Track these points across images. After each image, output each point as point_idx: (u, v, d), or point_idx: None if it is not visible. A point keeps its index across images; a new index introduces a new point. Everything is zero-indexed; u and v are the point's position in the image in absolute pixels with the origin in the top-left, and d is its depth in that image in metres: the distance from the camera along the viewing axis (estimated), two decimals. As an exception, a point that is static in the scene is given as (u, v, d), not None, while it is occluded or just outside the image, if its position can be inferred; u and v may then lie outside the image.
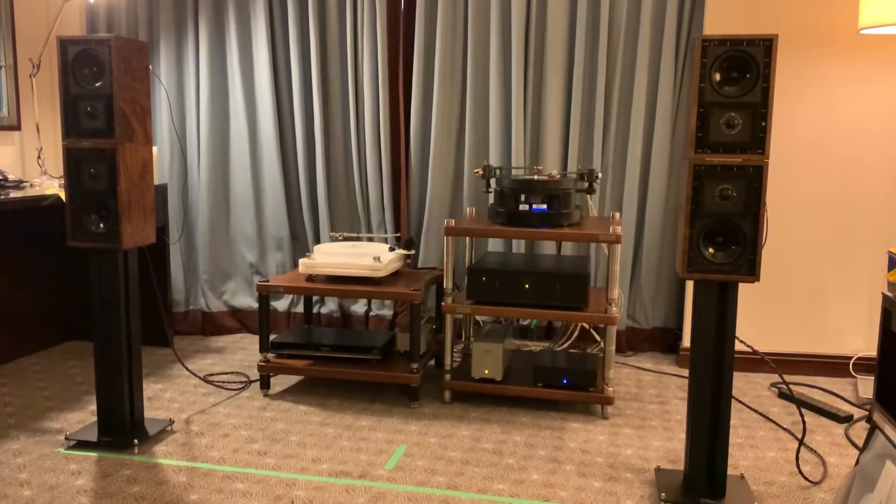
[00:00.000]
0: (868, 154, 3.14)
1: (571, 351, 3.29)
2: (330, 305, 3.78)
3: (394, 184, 3.65)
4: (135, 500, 2.11)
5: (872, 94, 3.10)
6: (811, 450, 2.51)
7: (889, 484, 1.64)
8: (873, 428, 1.82)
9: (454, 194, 3.62)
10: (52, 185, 3.21)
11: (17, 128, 3.51)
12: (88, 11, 3.75)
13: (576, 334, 3.55)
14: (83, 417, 2.72)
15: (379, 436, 2.57)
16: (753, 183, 1.94)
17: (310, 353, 2.99)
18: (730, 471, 2.34)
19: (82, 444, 2.46)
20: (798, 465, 2.34)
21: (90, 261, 2.40)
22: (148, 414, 2.76)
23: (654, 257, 3.47)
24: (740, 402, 2.94)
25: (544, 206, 2.77)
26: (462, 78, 3.52)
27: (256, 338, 3.78)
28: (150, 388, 3.03)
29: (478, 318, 3.62)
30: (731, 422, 2.74)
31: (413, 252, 3.17)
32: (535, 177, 2.88)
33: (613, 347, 2.73)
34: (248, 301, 3.82)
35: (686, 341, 3.37)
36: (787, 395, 2.98)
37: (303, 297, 3.57)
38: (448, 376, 2.86)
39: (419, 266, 3.61)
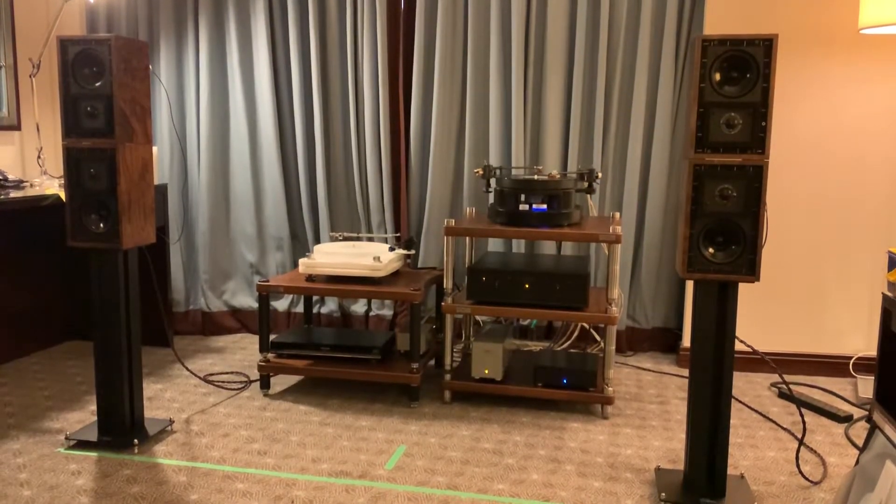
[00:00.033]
0: (868, 154, 3.14)
1: (571, 351, 3.29)
2: (330, 305, 3.78)
3: (394, 184, 3.65)
4: (135, 500, 2.11)
5: (872, 93, 3.10)
6: (811, 450, 2.51)
7: (889, 484, 1.64)
8: (873, 428, 1.82)
9: (454, 194, 3.62)
10: (52, 185, 3.21)
11: (17, 128, 3.51)
12: (88, 11, 3.75)
13: (576, 334, 3.55)
14: (83, 417, 2.72)
15: (379, 436, 2.57)
16: (753, 183, 1.94)
17: (310, 353, 2.99)
18: (730, 471, 2.34)
19: (82, 444, 2.46)
20: (798, 465, 2.34)
21: (90, 261, 2.40)
22: (148, 414, 2.76)
23: (654, 257, 3.47)
24: (740, 401, 2.94)
25: (544, 206, 2.77)
26: (462, 78, 3.52)
27: (256, 338, 3.78)
28: (150, 388, 3.03)
29: (478, 317, 3.62)
30: (731, 421, 2.74)
31: (413, 252, 3.17)
32: (535, 177, 2.88)
33: (613, 347, 2.73)
34: (248, 301, 3.82)
35: (686, 341, 3.37)
36: (787, 395, 2.99)
37: (303, 296, 3.57)
38: (448, 376, 2.86)
39: (419, 266, 3.61)
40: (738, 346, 3.20)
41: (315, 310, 3.78)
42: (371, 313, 3.73)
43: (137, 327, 2.49)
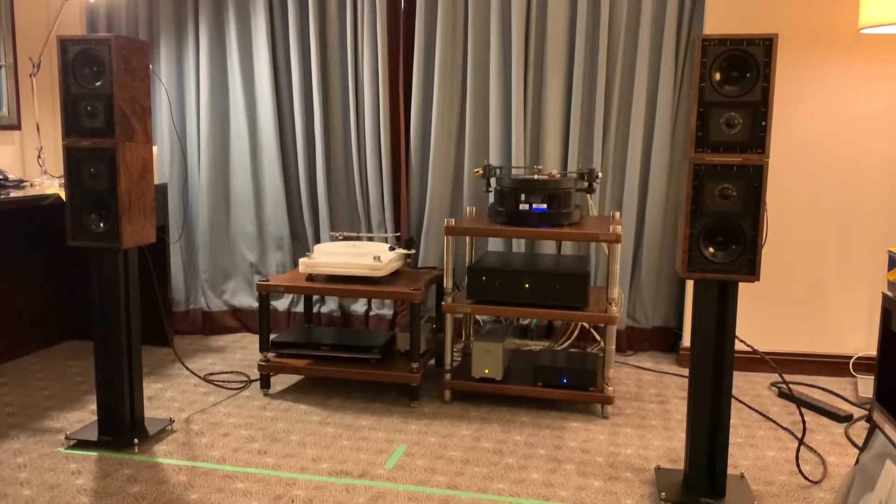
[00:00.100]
0: (868, 154, 3.15)
1: (571, 350, 3.29)
2: (330, 305, 3.78)
3: (394, 183, 3.65)
4: (135, 500, 2.11)
5: (872, 93, 3.10)
6: (811, 449, 2.51)
7: (889, 483, 1.64)
8: (873, 427, 1.82)
9: (454, 194, 3.62)
10: (52, 185, 3.21)
11: (18, 127, 3.51)
12: (88, 11, 3.75)
13: (576, 334, 3.55)
14: (83, 417, 2.72)
15: (379, 435, 2.57)
16: (753, 182, 1.94)
17: (310, 352, 2.99)
18: (730, 470, 2.34)
19: (82, 444, 2.46)
20: (798, 465, 2.34)
21: (90, 260, 2.40)
22: (148, 413, 2.76)
23: (654, 257, 3.47)
24: (740, 401, 2.94)
25: (544, 206, 2.77)
26: (462, 78, 3.52)
27: (256, 337, 3.78)
28: (150, 388, 3.03)
29: (478, 317, 3.62)
30: (731, 421, 2.74)
31: (413, 251, 3.17)
32: (536, 176, 2.88)
33: (613, 347, 2.73)
34: (248, 300, 3.82)
35: (686, 341, 3.37)
36: (787, 395, 2.99)
37: (303, 296, 3.57)
38: (448, 376, 2.86)
39: (419, 265, 3.61)
40: (738, 346, 3.20)
41: (315, 309, 3.78)
42: (371, 313, 3.73)
43: (137, 327, 2.49)
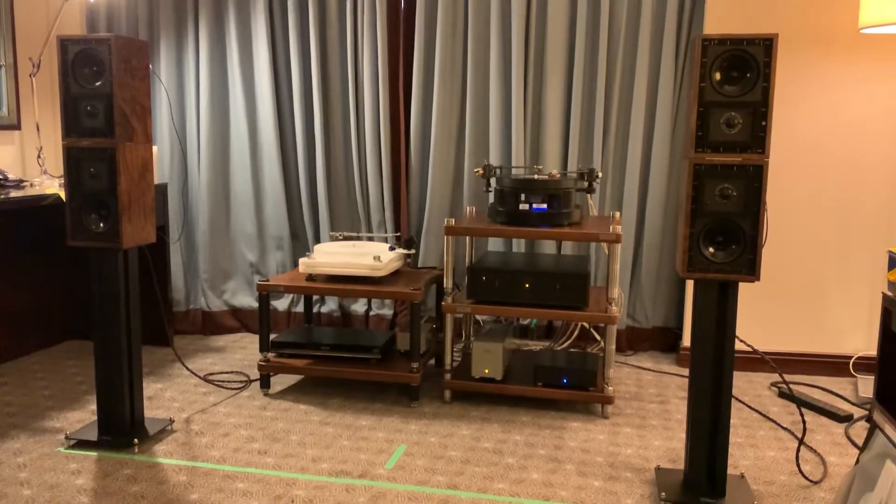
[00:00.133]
0: (868, 154, 3.15)
1: (571, 350, 3.29)
2: (330, 305, 3.78)
3: (394, 183, 3.65)
4: (135, 500, 2.11)
5: (872, 93, 3.10)
6: (811, 449, 2.51)
7: (889, 483, 1.64)
8: (873, 427, 1.82)
9: (454, 194, 3.62)
10: (52, 185, 3.21)
11: (17, 127, 3.51)
12: (88, 11, 3.75)
13: (576, 334, 3.55)
14: (83, 417, 2.72)
15: (379, 435, 2.57)
16: (753, 182, 1.94)
17: (310, 352, 2.99)
18: (730, 470, 2.34)
19: (82, 444, 2.46)
20: (798, 465, 2.34)
21: (90, 260, 2.40)
22: (148, 413, 2.76)
23: (654, 257, 3.47)
24: (740, 401, 2.94)
25: (544, 206, 2.77)
26: (462, 78, 3.52)
27: (256, 337, 3.78)
28: (150, 388, 3.03)
29: (478, 317, 3.62)
30: (731, 421, 2.74)
31: (413, 251, 3.17)
32: (536, 176, 2.88)
33: (613, 347, 2.73)
34: (248, 300, 3.82)
35: (686, 341, 3.37)
36: (787, 395, 2.99)
37: (303, 296, 3.57)
38: (448, 376, 2.86)
39: (419, 265, 3.61)
40: (738, 346, 3.20)
41: (315, 309, 3.78)
42: (371, 313, 3.73)
43: (137, 327, 2.49)
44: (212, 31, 3.64)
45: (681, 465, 2.35)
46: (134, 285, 2.45)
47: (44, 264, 3.55)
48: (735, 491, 2.14)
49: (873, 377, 1.94)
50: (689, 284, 3.31)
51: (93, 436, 2.46)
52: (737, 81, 1.93)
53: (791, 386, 3.06)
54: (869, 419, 1.85)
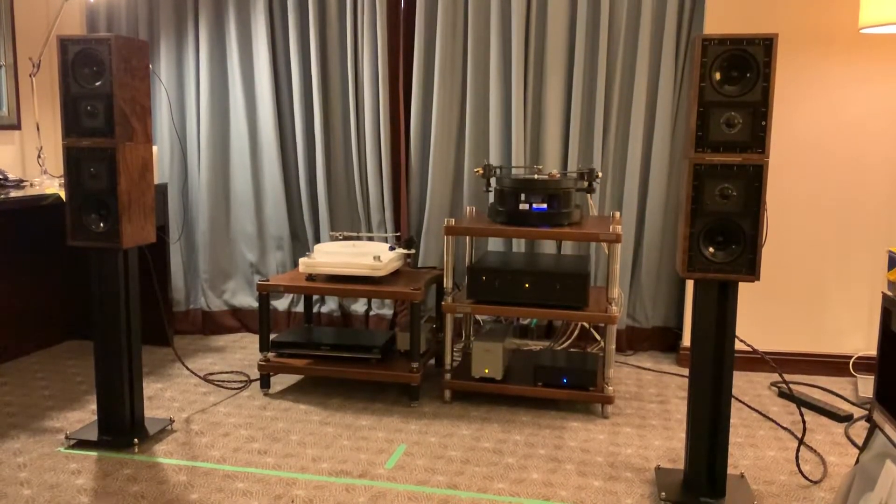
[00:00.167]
0: (868, 154, 3.15)
1: (571, 350, 3.29)
2: (330, 305, 3.78)
3: (394, 183, 3.65)
4: (135, 500, 2.11)
5: (872, 93, 3.10)
6: (811, 449, 2.51)
7: (889, 483, 1.64)
8: (873, 427, 1.82)
9: (454, 193, 3.62)
10: (52, 185, 3.21)
11: (18, 127, 3.51)
12: (88, 11, 3.76)
13: (576, 333, 3.55)
14: (83, 416, 2.72)
15: (379, 435, 2.57)
16: (753, 182, 1.94)
17: (310, 352, 2.99)
18: (730, 470, 2.34)
19: (82, 444, 2.46)
20: (798, 465, 2.34)
21: (90, 260, 2.40)
22: (148, 413, 2.76)
23: (654, 257, 3.47)
24: (740, 401, 2.94)
25: (544, 206, 2.77)
26: (462, 78, 3.52)
27: (256, 337, 3.78)
28: (150, 388, 3.03)
29: (478, 317, 3.62)
30: (731, 421, 2.74)
31: (413, 251, 3.17)
32: (536, 176, 2.88)
33: (613, 347, 2.73)
34: (248, 300, 3.82)
35: (686, 340, 3.37)
36: (787, 395, 2.99)
37: (303, 296, 3.57)
38: (448, 375, 2.86)
39: (419, 265, 3.61)
40: (738, 346, 3.20)
41: (315, 309, 3.78)
42: (371, 313, 3.73)
43: (137, 327, 2.49)
44: (212, 31, 3.64)
45: (681, 465, 2.35)
46: (134, 285, 2.45)
47: (44, 264, 3.55)
48: (735, 491, 2.14)
49: (873, 377, 1.94)
50: (689, 284, 3.31)
51: (93, 436, 2.46)
52: (737, 81, 1.93)
53: (791, 386, 3.06)
54: (869, 419, 1.85)
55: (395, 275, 3.06)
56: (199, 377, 3.11)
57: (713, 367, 2.08)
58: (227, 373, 3.22)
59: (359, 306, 3.76)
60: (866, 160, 3.15)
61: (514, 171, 3.41)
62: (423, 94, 3.52)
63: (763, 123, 1.92)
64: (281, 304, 3.82)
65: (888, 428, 1.73)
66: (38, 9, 3.62)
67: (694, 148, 1.96)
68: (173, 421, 2.66)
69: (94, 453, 2.40)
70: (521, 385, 2.81)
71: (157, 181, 3.50)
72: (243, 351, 3.55)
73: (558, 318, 2.74)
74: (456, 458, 2.40)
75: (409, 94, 3.58)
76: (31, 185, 3.22)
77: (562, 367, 2.78)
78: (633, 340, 3.57)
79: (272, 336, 3.35)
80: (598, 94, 3.36)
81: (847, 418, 2.74)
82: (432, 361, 3.29)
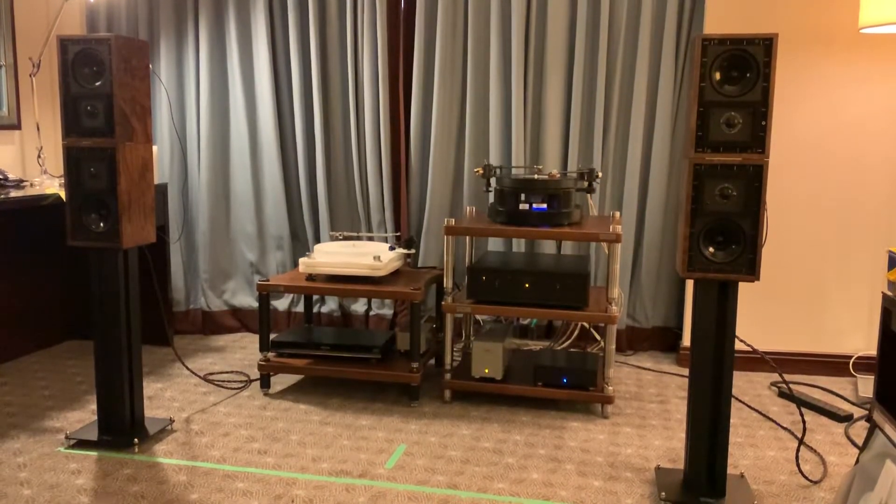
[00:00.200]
0: (868, 154, 3.15)
1: (571, 350, 3.29)
2: (330, 305, 3.78)
3: (394, 183, 3.65)
4: (135, 500, 2.11)
5: (872, 93, 3.10)
6: (811, 449, 2.51)
7: (889, 483, 1.64)
8: (873, 427, 1.82)
9: (454, 193, 3.62)
10: (52, 185, 3.21)
11: (18, 127, 3.51)
12: (88, 11, 3.75)
13: (576, 333, 3.55)
14: (83, 416, 2.72)
15: (379, 435, 2.57)
16: (753, 182, 1.94)
17: (310, 352, 2.99)
18: (730, 470, 2.34)
19: (82, 444, 2.46)
20: (798, 465, 2.34)
21: (90, 260, 2.40)
22: (148, 413, 2.76)
23: (654, 256, 3.47)
24: (740, 401, 2.94)
25: (544, 206, 2.77)
26: (462, 78, 3.52)
27: (256, 337, 3.78)
28: (150, 388, 3.03)
29: (478, 317, 3.62)
30: (731, 421, 2.74)
31: (413, 251, 3.17)
32: (536, 176, 2.88)
33: (613, 346, 2.73)
34: (248, 300, 3.82)
35: (686, 340, 3.37)
36: (787, 395, 2.99)
37: (303, 296, 3.57)
38: (448, 375, 2.86)
39: (419, 265, 3.61)
40: (738, 346, 3.20)
41: (315, 309, 3.79)
42: (371, 313, 3.73)
43: (137, 326, 2.49)
44: (212, 31, 3.64)
45: (681, 465, 2.35)
46: (134, 285, 2.45)
47: (44, 264, 3.55)
48: (735, 491, 2.14)
49: (873, 377, 1.94)
50: (689, 284, 3.31)
51: (93, 435, 2.46)
52: (737, 81, 1.93)
53: (791, 386, 3.06)
54: (869, 419, 1.85)
55: (395, 275, 3.06)
56: (199, 377, 3.11)
57: (713, 367, 2.08)
58: (227, 373, 3.22)
59: (359, 306, 3.76)
60: (866, 160, 3.15)
61: (514, 171, 3.41)
62: (423, 94, 3.52)
63: (763, 123, 1.92)
64: (281, 304, 3.82)
65: (888, 428, 1.73)
66: (38, 9, 3.62)
67: (694, 148, 1.96)
68: (173, 421, 2.66)
69: (94, 453, 2.40)
70: (521, 385, 2.81)
71: (157, 181, 3.51)
72: (243, 351, 3.55)
73: (558, 318, 2.74)
74: (456, 457, 2.40)
75: (409, 94, 3.58)
76: (31, 185, 3.22)
77: (562, 366, 2.78)
78: (633, 340, 3.58)
79: (272, 336, 3.35)
80: (598, 94, 3.36)
81: (847, 418, 2.74)
82: (432, 361, 3.29)
